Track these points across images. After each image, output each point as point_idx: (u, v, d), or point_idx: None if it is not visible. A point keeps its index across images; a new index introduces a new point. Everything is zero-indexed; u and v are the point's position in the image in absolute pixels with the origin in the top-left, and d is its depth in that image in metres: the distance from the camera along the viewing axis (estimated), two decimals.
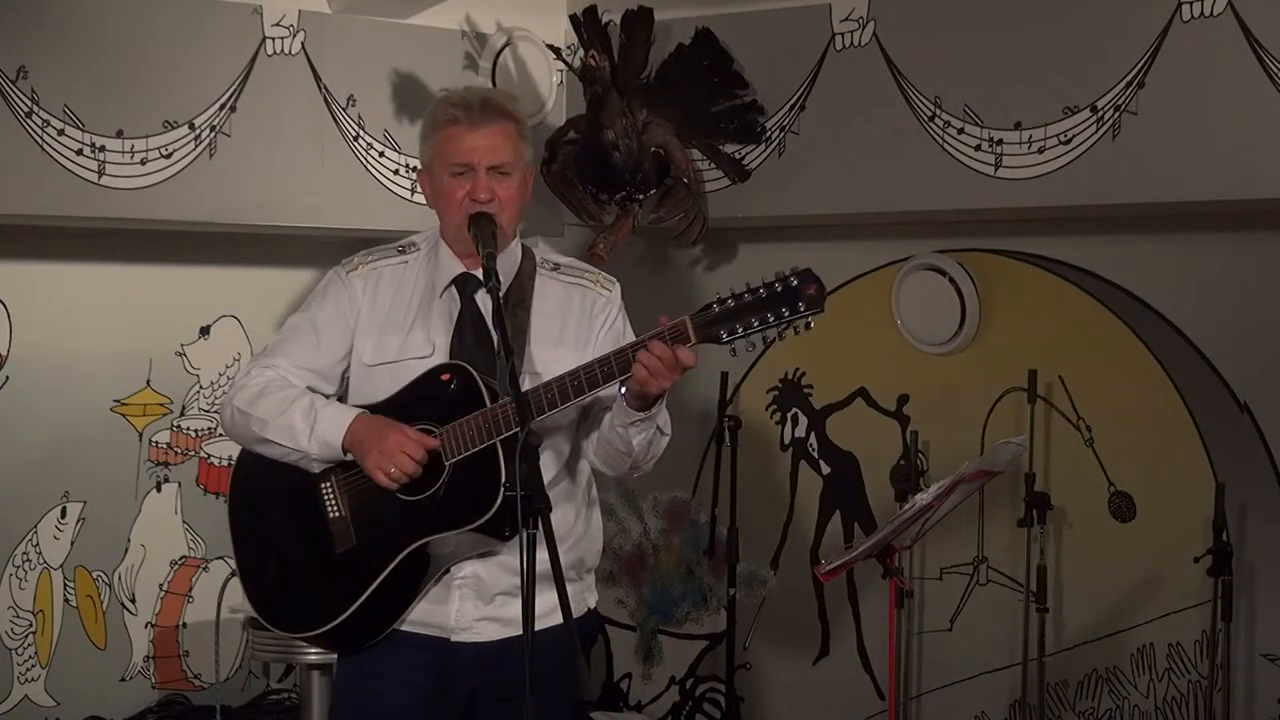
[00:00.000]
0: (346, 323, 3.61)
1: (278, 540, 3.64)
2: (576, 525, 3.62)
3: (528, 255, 3.66)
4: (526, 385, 3.42)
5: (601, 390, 3.39)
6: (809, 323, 3.28)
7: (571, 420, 3.58)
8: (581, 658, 3.51)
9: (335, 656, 3.75)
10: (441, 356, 3.54)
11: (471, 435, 3.41)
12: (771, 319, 3.28)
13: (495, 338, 3.41)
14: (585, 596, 3.67)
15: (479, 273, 3.48)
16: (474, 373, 3.44)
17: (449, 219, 3.58)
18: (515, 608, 3.44)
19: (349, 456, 3.49)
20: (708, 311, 3.32)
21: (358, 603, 3.52)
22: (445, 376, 3.47)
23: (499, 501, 3.38)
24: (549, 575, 3.17)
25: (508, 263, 3.60)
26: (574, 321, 3.60)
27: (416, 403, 3.48)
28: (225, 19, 5.20)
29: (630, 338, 3.63)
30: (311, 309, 3.66)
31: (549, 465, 3.52)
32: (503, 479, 3.37)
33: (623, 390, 3.40)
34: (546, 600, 3.28)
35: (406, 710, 3.57)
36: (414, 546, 3.48)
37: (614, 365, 3.35)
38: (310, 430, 3.50)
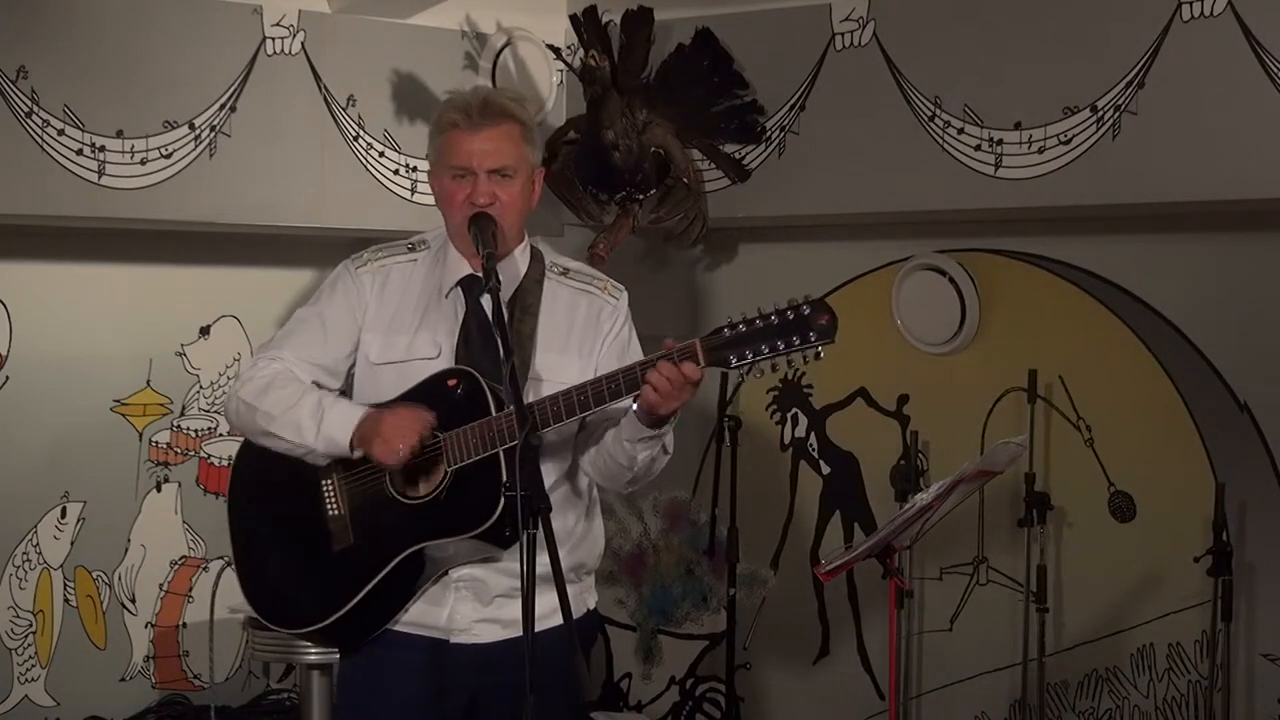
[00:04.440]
0: (354, 318, 3.61)
1: (276, 535, 3.65)
2: (577, 528, 3.61)
3: (537, 259, 3.64)
4: (529, 391, 3.42)
5: (605, 408, 3.38)
6: (819, 352, 3.26)
7: (572, 429, 3.56)
8: (582, 659, 3.51)
9: (336, 657, 3.76)
10: (448, 358, 3.53)
11: (474, 443, 3.40)
12: (781, 346, 3.24)
13: (498, 339, 3.41)
14: (585, 597, 3.66)
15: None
16: (480, 379, 3.43)
17: (451, 220, 3.58)
18: (514, 609, 3.44)
19: (357, 454, 3.49)
20: (718, 335, 3.28)
21: (351, 603, 3.52)
22: (452, 382, 3.46)
23: (498, 512, 3.37)
24: (549, 577, 3.17)
25: (514, 266, 3.59)
26: (579, 328, 3.58)
27: (422, 405, 3.47)
28: (225, 19, 5.20)
29: (636, 349, 3.63)
30: (320, 302, 3.65)
31: (551, 470, 3.52)
32: (503, 488, 3.35)
33: (634, 405, 3.38)
34: (546, 601, 3.28)
35: (406, 711, 3.57)
36: (411, 550, 3.48)
37: (621, 383, 3.32)
38: (317, 428, 3.49)
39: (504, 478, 3.36)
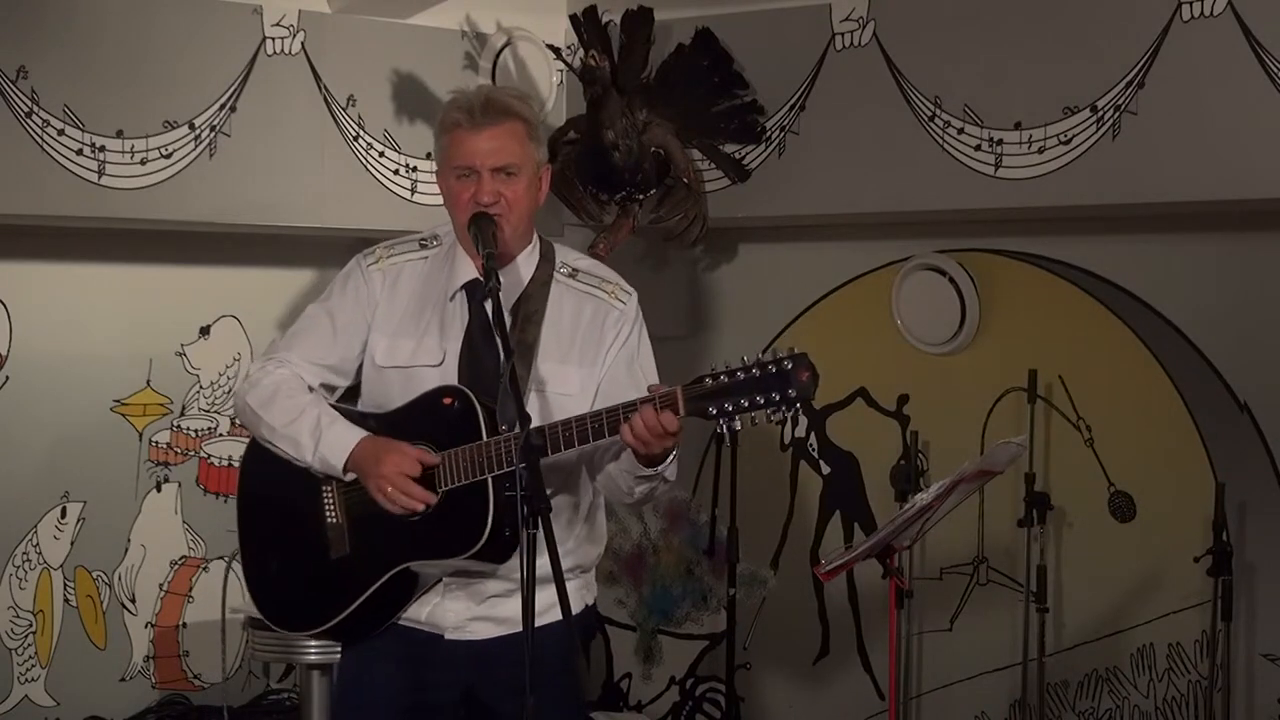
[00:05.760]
0: (364, 317, 3.61)
1: (277, 538, 3.67)
2: (574, 532, 3.61)
3: (546, 258, 3.63)
4: (530, 398, 3.42)
5: (591, 445, 3.38)
6: (797, 409, 3.26)
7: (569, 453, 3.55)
8: (581, 655, 3.52)
9: (336, 657, 3.78)
10: (452, 365, 3.53)
11: (467, 466, 3.40)
12: (761, 401, 3.23)
13: (499, 344, 3.41)
14: (583, 594, 3.66)
15: None
16: (474, 400, 3.43)
17: (457, 221, 3.58)
18: (508, 607, 3.47)
19: (350, 478, 3.50)
20: (699, 385, 3.28)
21: (345, 612, 3.55)
22: (448, 400, 3.46)
23: (484, 539, 3.38)
24: (548, 575, 3.18)
25: (519, 269, 3.58)
26: (582, 336, 3.56)
27: (418, 422, 3.48)
28: (225, 19, 5.19)
29: (646, 356, 3.61)
30: (331, 300, 3.66)
31: (552, 478, 3.49)
32: (489, 518, 3.37)
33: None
34: (544, 598, 3.28)
35: (399, 704, 3.58)
36: (402, 567, 3.49)
37: (604, 423, 3.33)
38: (314, 447, 3.51)
39: (492, 503, 3.36)
